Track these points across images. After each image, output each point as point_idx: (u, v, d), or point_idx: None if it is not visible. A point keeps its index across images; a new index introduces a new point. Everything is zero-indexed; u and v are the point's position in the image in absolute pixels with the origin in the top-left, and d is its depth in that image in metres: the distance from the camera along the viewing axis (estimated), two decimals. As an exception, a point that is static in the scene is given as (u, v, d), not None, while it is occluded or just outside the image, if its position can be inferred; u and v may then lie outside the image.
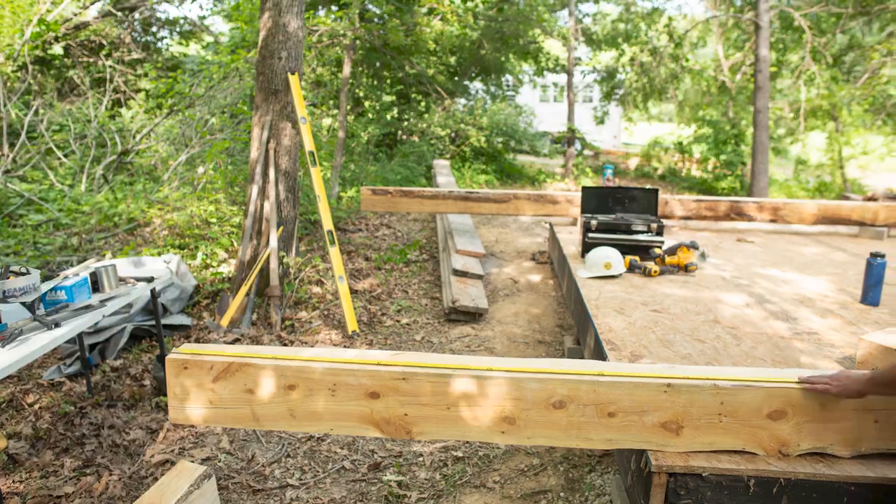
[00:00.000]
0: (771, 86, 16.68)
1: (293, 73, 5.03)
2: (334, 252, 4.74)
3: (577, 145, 14.99)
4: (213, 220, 6.13)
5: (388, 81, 13.40)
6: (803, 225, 6.04)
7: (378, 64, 13.23)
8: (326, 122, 11.42)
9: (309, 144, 4.93)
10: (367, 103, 13.48)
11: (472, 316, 4.76)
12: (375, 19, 12.19)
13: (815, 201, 6.06)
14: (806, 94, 16.51)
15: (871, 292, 3.53)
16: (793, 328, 3.12)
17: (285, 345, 4.37)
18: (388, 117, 13.64)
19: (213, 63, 9.26)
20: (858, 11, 15.01)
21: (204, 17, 14.43)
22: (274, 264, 4.75)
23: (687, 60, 15.42)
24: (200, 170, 7.21)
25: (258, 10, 5.62)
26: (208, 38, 14.57)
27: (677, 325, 3.13)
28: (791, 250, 5.07)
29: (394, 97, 13.82)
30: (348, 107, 11.93)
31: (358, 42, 10.48)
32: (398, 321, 4.81)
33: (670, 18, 15.28)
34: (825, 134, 15.92)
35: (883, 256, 3.48)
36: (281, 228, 5.02)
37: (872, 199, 10.33)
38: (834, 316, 3.32)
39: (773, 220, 6.03)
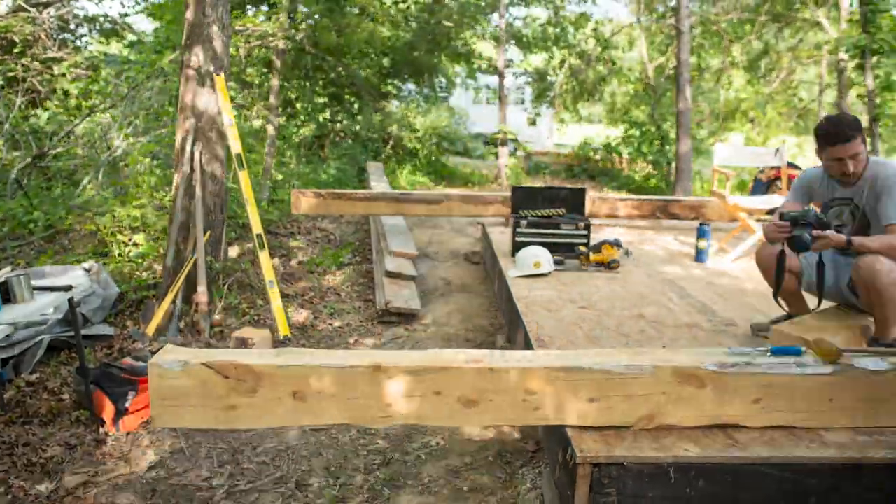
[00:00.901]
0: (693, 88, 17.38)
1: (219, 74, 4.92)
2: (264, 256, 4.66)
3: (510, 146, 15.20)
4: (138, 225, 5.92)
5: (321, 83, 13.24)
6: (723, 221, 6.31)
7: (309, 65, 13.07)
8: (257, 123, 11.20)
9: (236, 147, 4.83)
10: (298, 104, 13.29)
11: (406, 317, 4.77)
12: (306, 20, 12.05)
13: (733, 198, 6.34)
14: (725, 97, 17.29)
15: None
16: (710, 320, 3.26)
17: (215, 352, 4.27)
18: (321, 119, 13.48)
19: (136, 63, 8.95)
20: (771, 19, 15.82)
21: (126, 15, 13.89)
22: (201, 270, 4.63)
23: (614, 64, 15.86)
24: (125, 173, 6.95)
25: (183, 8, 5.47)
26: (131, 37, 14.05)
27: (603, 321, 3.23)
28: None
29: (326, 98, 13.67)
30: (279, 108, 11.74)
31: (288, 43, 10.31)
32: (331, 324, 4.76)
33: (597, 23, 15.69)
34: (743, 134, 16.68)
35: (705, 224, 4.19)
36: (209, 233, 4.89)
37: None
38: (751, 309, 3.50)
39: (695, 218, 6.28)
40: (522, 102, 18.88)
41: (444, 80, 17.91)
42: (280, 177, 9.25)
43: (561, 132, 20.42)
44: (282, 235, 7.14)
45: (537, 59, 17.20)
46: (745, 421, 2.13)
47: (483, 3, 15.53)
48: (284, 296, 5.20)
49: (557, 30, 16.28)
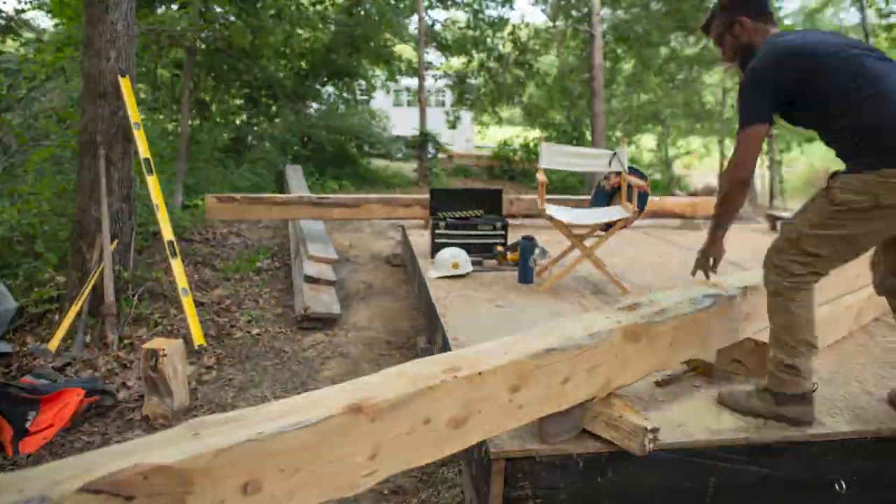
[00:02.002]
0: (607, 92, 17.99)
1: (124, 76, 4.72)
2: (176, 264, 4.50)
3: (431, 149, 15.28)
4: (38, 234, 5.59)
5: (236, 84, 12.91)
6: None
7: (224, 66, 12.71)
8: (170, 126, 10.81)
9: (143, 151, 4.65)
10: (213, 107, 12.91)
11: (326, 322, 4.72)
12: (219, 19, 11.71)
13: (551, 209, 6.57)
14: (636, 100, 17.99)
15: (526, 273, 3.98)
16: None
17: (125, 366, 4.09)
18: (237, 122, 13.14)
19: (34, 62, 8.45)
20: (677, 26, 16.57)
21: (22, 11, 13.09)
22: (108, 280, 4.43)
23: (531, 67, 16.22)
24: (24, 179, 6.55)
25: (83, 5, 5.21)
26: (29, 35, 13.26)
27: (519, 319, 3.31)
28: (623, 243, 5.50)
29: (242, 101, 13.33)
30: (192, 111, 11.36)
31: (200, 43, 10.00)
32: (248, 332, 4.65)
33: (514, 27, 16.01)
34: (654, 136, 17.40)
35: (531, 239, 4.03)
36: (116, 241, 4.69)
37: (694, 194, 11.43)
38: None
39: (607, 217, 6.51)
40: (443, 105, 19.01)
41: (364, 82, 17.82)
42: (193, 182, 8.95)
43: (482, 134, 20.69)
44: (196, 242, 6.92)
45: (457, 62, 17.38)
46: (664, 365, 2.28)
47: (402, 6, 15.57)
48: (199, 304, 5.05)
49: (476, 33, 16.51)
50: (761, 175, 13.58)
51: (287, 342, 4.53)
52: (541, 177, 4.09)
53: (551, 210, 3.96)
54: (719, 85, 18.50)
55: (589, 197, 5.11)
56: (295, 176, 10.39)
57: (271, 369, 4.07)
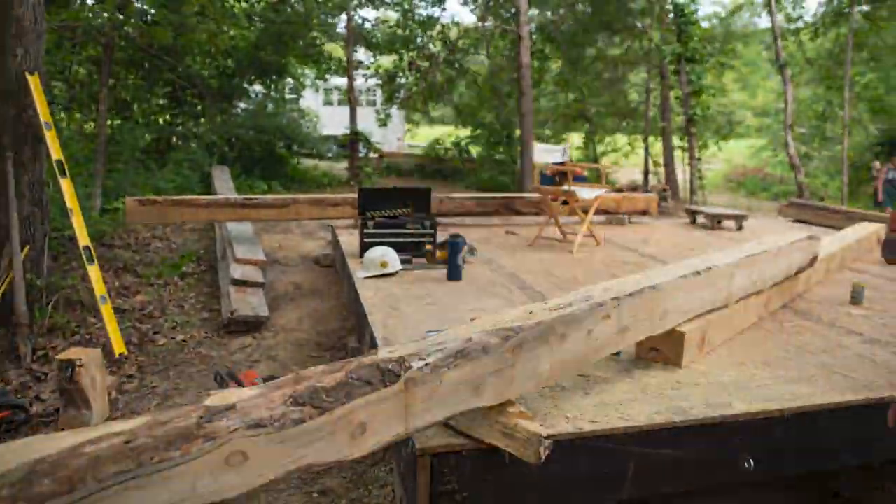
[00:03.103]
0: (536, 91, 18.31)
1: (32, 74, 4.50)
2: (93, 270, 4.33)
3: (362, 148, 15.19)
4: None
5: (159, 83, 12.47)
6: (563, 216, 6.72)
7: (146, 64, 12.26)
8: (88, 127, 10.35)
9: (55, 152, 4.44)
10: (135, 106, 12.43)
11: (254, 325, 4.63)
12: (138, 16, 11.27)
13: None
14: (564, 99, 18.39)
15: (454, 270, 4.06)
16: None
17: (39, 379, 3.90)
18: (160, 121, 12.71)
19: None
20: (603, 27, 17.04)
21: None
22: (19, 288, 4.21)
23: (461, 66, 16.35)
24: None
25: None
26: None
27: (447, 316, 3.34)
28: (553, 240, 5.63)
29: (165, 100, 12.90)
30: (112, 110, 10.91)
31: (121, 40, 9.61)
32: (173, 338, 4.52)
33: (443, 26, 16.09)
34: (582, 134, 17.83)
35: (458, 236, 4.12)
36: (27, 248, 4.47)
37: (619, 190, 11.78)
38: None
39: (537, 213, 6.64)
40: (374, 104, 18.92)
41: (292, 81, 17.53)
42: (113, 184, 8.60)
43: (413, 133, 20.70)
44: (117, 247, 6.66)
45: (387, 61, 17.33)
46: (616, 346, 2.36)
47: (330, 4, 15.40)
48: (120, 311, 4.87)
49: (406, 32, 16.50)
50: (682, 171, 14.11)
51: (214, 347, 4.43)
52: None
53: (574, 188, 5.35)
54: (643, 84, 19.13)
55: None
56: (221, 177, 10.14)
57: (197, 376, 3.97)
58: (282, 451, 1.45)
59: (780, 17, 15.89)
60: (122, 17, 9.21)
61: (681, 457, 2.28)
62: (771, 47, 13.99)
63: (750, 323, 3.30)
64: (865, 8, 15.22)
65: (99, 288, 4.29)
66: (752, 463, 2.33)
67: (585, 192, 5.41)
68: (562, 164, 5.77)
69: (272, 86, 15.82)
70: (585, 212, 5.46)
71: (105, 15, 8.81)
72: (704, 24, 16.44)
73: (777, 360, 2.84)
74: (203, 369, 4.05)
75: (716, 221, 6.89)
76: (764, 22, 19.22)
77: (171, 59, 11.78)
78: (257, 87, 15.70)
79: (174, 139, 12.96)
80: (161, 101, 12.71)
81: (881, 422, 2.50)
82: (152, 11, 11.72)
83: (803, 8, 18.37)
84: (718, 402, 2.37)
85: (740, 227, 6.83)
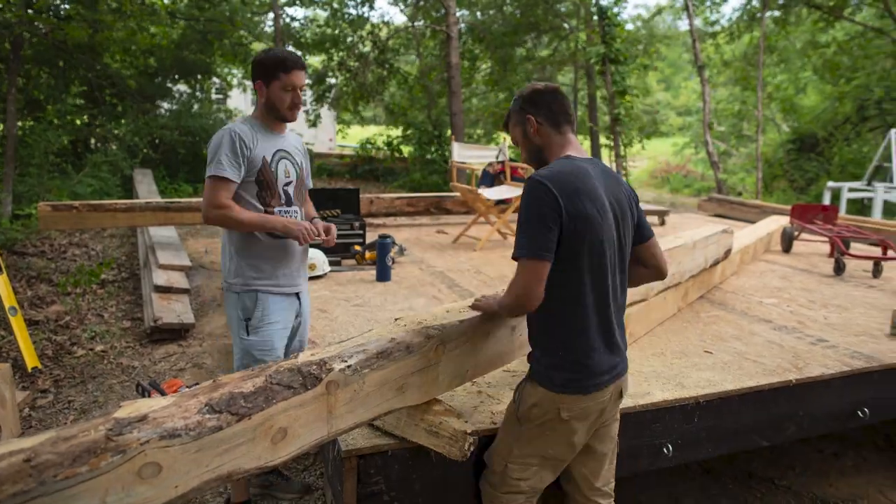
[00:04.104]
0: (467, 91, 18.45)
1: (-73, 73, 4.22)
2: (1, 280, 4.10)
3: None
4: None
5: (75, 82, 11.90)
6: (492, 215, 6.80)
7: (60, 62, 11.69)
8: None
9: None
10: (49, 107, 11.83)
11: (179, 333, 4.49)
12: (49, 11, 10.73)
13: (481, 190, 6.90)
14: (495, 99, 18.59)
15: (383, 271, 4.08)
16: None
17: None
18: (76, 123, 12.13)
19: None
20: (531, 29, 17.33)
21: None
22: (-82, 301, 3.95)
23: (392, 66, 16.29)
24: None
25: None
26: None
27: (376, 317, 3.33)
28: (476, 237, 5.69)
29: (82, 100, 12.32)
30: (23, 110, 10.35)
31: (31, 36, 9.12)
32: (92, 349, 4.33)
33: (373, 26, 16.00)
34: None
35: (387, 237, 4.12)
36: (-73, 258, 4.19)
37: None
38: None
39: (466, 212, 6.69)
40: (305, 104, 18.64)
41: (219, 80, 17.08)
42: (25, 189, 8.17)
43: (344, 134, 20.51)
44: (30, 255, 6.34)
45: (316, 60, 17.12)
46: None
47: (257, 2, 15.08)
48: (33, 323, 4.64)
49: (336, 32, 16.33)
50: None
51: (136, 357, 4.27)
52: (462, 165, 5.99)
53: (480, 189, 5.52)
54: (570, 85, 19.56)
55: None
56: (144, 180, 9.80)
57: (118, 387, 3.82)
58: (198, 461, 1.41)
59: (698, 21, 16.56)
60: (31, 11, 8.75)
61: (603, 447, 2.35)
62: (691, 49, 14.56)
63: (670, 314, 3.43)
64: (776, 13, 16.04)
65: (8, 298, 4.06)
66: (670, 449, 2.43)
67: (490, 193, 5.50)
68: (501, 163, 5.90)
69: (197, 85, 15.37)
70: (504, 211, 5.59)
71: (12, 9, 8.35)
72: (628, 27, 16.98)
73: (694, 349, 2.97)
74: (125, 380, 3.90)
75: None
76: (685, 25, 19.98)
77: (87, 57, 11.27)
78: (182, 87, 15.22)
79: (92, 141, 12.41)
80: (77, 101, 12.13)
81: (787, 404, 2.65)
82: (66, 7, 11.18)
83: (720, 13, 19.22)
84: (639, 392, 2.46)
85: (662, 222, 7.08)
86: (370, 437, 2.09)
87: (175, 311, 4.62)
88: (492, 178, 6.09)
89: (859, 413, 2.79)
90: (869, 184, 9.83)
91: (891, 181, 9.62)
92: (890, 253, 4.77)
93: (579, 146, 1.95)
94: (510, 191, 5.65)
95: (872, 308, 3.74)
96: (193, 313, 4.81)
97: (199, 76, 15.11)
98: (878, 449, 3.50)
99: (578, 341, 1.80)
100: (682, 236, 3.60)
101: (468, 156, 6.52)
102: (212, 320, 4.87)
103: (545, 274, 1.73)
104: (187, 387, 3.53)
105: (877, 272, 4.61)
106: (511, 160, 6.04)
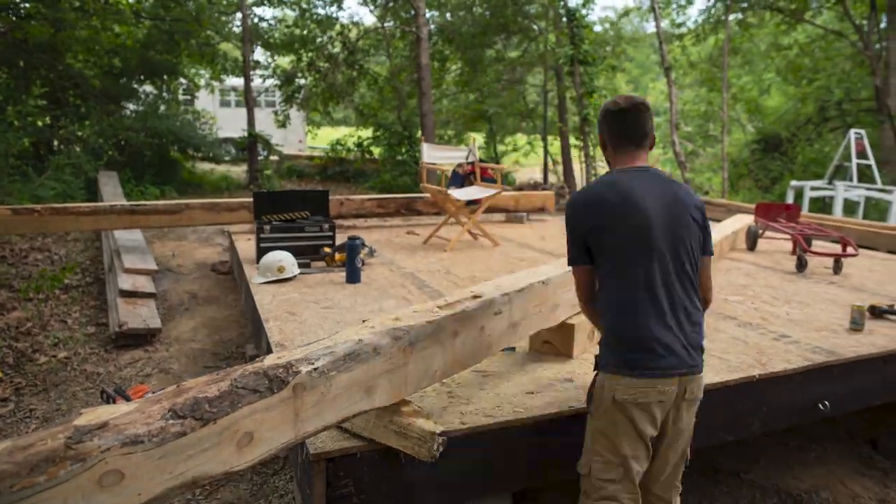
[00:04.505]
0: (437, 91, 18.45)
1: None
2: (-41, 286, 3.99)
3: (261, 151, 14.78)
4: None
5: (37, 82, 11.63)
6: (462, 216, 6.82)
7: (21, 62, 11.41)
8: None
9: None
10: (9, 108, 11.53)
11: (145, 338, 4.42)
12: (8, 10, 10.49)
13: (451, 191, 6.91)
14: (465, 100, 18.64)
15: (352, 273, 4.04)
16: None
17: None
18: (39, 124, 11.85)
19: None
20: (500, 30, 17.40)
21: None
22: None
23: (362, 67, 16.23)
24: None
25: None
26: None
27: (345, 319, 3.31)
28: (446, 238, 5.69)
29: (44, 101, 12.04)
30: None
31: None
32: (54, 356, 4.23)
33: (342, 26, 15.93)
34: (483, 134, 18.12)
35: (356, 238, 4.10)
36: None
37: (520, 189, 12.09)
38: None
39: (437, 213, 6.69)
40: (274, 105, 18.48)
41: (186, 81, 16.84)
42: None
43: (314, 135, 20.36)
44: (-11, 260, 6.18)
45: (286, 61, 16.98)
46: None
47: (225, 2, 14.91)
48: (-8, 330, 4.52)
49: (305, 32, 16.21)
50: (580, 169, 14.63)
51: (101, 363, 4.19)
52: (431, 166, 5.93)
53: (450, 191, 5.51)
54: (541, 85, 19.69)
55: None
56: (109, 183, 9.62)
57: (82, 395, 3.74)
58: (162, 467, 1.39)
59: (665, 23, 16.81)
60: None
61: (573, 444, 2.37)
62: (658, 51, 14.77)
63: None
64: (740, 16, 16.37)
65: (-33, 305, 3.96)
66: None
67: (459, 194, 5.51)
68: (471, 164, 5.91)
69: (164, 86, 15.13)
70: (474, 212, 5.59)
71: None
72: (597, 29, 17.15)
73: (660, 347, 3.00)
74: (89, 387, 3.83)
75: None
76: (652, 27, 20.23)
77: (48, 56, 11.02)
78: (148, 88, 14.98)
79: (55, 143, 12.13)
80: (39, 102, 11.86)
81: (751, 399, 2.70)
82: (26, 5, 10.93)
83: (686, 15, 19.52)
84: (606, 390, 2.48)
85: (631, 222, 7.18)
86: (339, 440, 2.07)
87: (141, 315, 4.54)
88: (462, 178, 6.11)
89: (820, 406, 2.85)
90: (830, 182, 10.07)
91: (850, 180, 9.88)
92: (849, 250, 4.89)
93: (639, 158, 2.06)
94: (480, 191, 5.66)
95: (833, 304, 3.84)
96: (160, 318, 4.74)
97: (165, 77, 14.88)
98: (839, 441, 3.59)
99: (626, 325, 1.95)
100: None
101: (438, 157, 6.51)
102: (179, 324, 4.80)
103: (584, 277, 2.07)
104: (153, 392, 3.48)
105: (837, 269, 4.73)
106: (481, 161, 6.05)
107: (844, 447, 3.52)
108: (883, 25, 13.56)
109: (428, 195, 6.16)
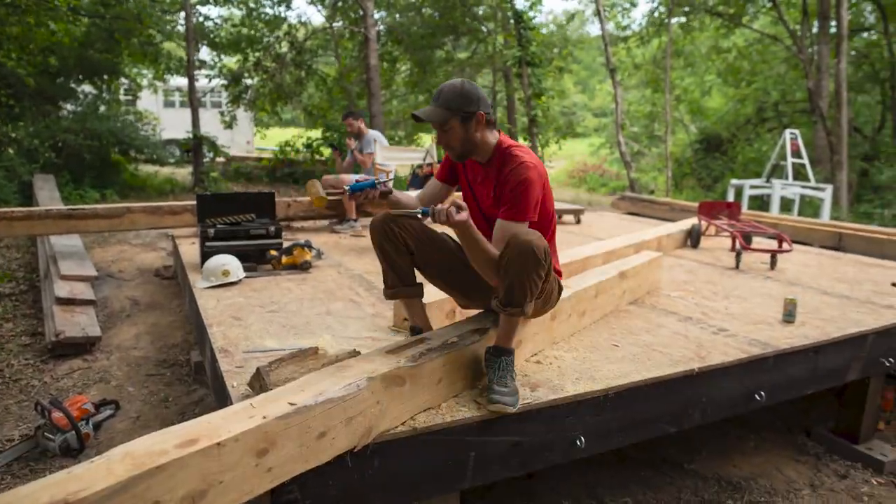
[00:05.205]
0: (387, 92, 18.40)
1: None
2: None
3: (207, 152, 14.47)
4: None
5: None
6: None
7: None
8: None
9: None
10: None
11: (84, 347, 4.27)
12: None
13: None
14: (414, 101, 18.63)
15: None
16: (391, 309, 3.50)
17: None
18: (-31, 126, 11.36)
19: None
20: (449, 31, 17.46)
21: None
22: None
23: (310, 67, 16.06)
24: None
25: None
26: None
27: (292, 322, 3.27)
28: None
29: (-27, 102, 11.54)
30: None
31: None
32: (-15, 368, 4.06)
33: (290, 26, 15.73)
34: (434, 135, 18.13)
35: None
36: None
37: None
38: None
39: (387, 215, 6.67)
40: (221, 105, 18.10)
41: (127, 81, 16.37)
42: None
43: (263, 136, 20.04)
44: (-85, 269, 5.88)
45: (232, 61, 16.67)
46: (433, 403, 2.30)
47: (168, 0, 14.54)
48: (-82, 341, 4.30)
49: (252, 32, 15.95)
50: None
51: (36, 375, 4.03)
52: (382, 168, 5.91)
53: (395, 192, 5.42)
54: (490, 87, 19.84)
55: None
56: (45, 187, 9.28)
57: (15, 408, 3.59)
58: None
59: (610, 26, 17.15)
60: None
61: (520, 442, 2.40)
62: (605, 53, 15.05)
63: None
64: (682, 19, 16.82)
65: None
66: (582, 441, 2.50)
67: (400, 194, 5.61)
68: (430, 165, 5.97)
69: (104, 86, 14.67)
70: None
71: None
72: (544, 31, 17.38)
73: (605, 343, 3.06)
74: (23, 400, 3.67)
75: (557, 216, 7.30)
76: (598, 29, 20.59)
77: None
78: (87, 88, 14.50)
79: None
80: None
81: (692, 391, 2.78)
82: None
83: (630, 18, 19.93)
84: (554, 387, 2.52)
85: (578, 221, 7.29)
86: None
87: (79, 323, 4.39)
88: (420, 180, 6.15)
89: (756, 396, 2.95)
90: (767, 181, 10.43)
91: (786, 178, 10.26)
92: (784, 245, 5.08)
93: None
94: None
95: (769, 297, 3.98)
96: (100, 325, 4.59)
97: (105, 76, 14.43)
98: (775, 429, 3.72)
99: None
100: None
101: (391, 157, 6.52)
102: (121, 332, 4.65)
103: None
104: (93, 404, 3.38)
105: (773, 264, 4.91)
106: (439, 162, 6.08)
107: (780, 435, 3.65)
108: (815, 30, 14.12)
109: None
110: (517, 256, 2.20)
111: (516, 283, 2.24)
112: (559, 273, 2.69)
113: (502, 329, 2.37)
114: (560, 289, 2.65)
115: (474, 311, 2.86)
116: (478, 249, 2.32)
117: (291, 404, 1.80)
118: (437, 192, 2.78)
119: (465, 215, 2.18)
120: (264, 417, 1.71)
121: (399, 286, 2.61)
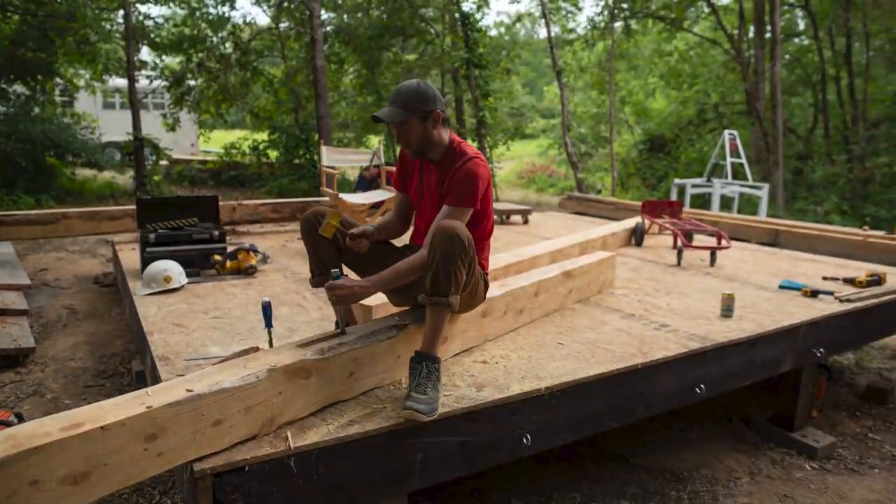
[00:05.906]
0: (335, 94, 18.23)
1: None
2: None
3: (149, 155, 14.06)
4: None
5: None
6: (363, 220, 6.78)
7: None
8: None
9: None
10: None
11: (16, 359, 4.10)
12: None
13: (343, 195, 6.90)
14: (363, 103, 18.52)
15: None
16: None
17: None
18: None
19: None
20: (398, 33, 17.40)
21: None
22: None
23: (256, 68, 15.78)
24: None
25: None
26: None
27: (236, 328, 3.21)
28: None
29: None
30: None
31: None
32: None
33: (234, 26, 15.43)
34: (381, 138, 18.05)
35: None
36: None
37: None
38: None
39: (335, 217, 6.62)
40: (163, 107, 17.63)
41: (63, 82, 15.77)
42: None
43: (208, 138, 19.61)
44: None
45: (174, 62, 16.26)
46: (345, 395, 2.34)
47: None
48: None
49: (195, 32, 15.58)
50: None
51: (-36, 389, 3.84)
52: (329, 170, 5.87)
53: (342, 195, 5.39)
54: (438, 88, 19.86)
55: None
56: (-26, 192, 8.85)
57: (-58, 423, 3.41)
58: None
59: (556, 29, 17.41)
60: None
61: (467, 441, 2.41)
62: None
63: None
64: (627, 23, 17.20)
65: None
66: (528, 439, 2.52)
67: (355, 198, 5.56)
68: (377, 167, 5.95)
69: (38, 87, 14.09)
70: (370, 216, 5.66)
71: None
72: (491, 33, 17.51)
73: (550, 341, 3.11)
74: (-49, 415, 3.50)
75: (504, 216, 7.36)
76: (545, 32, 20.86)
77: None
78: (19, 88, 13.90)
79: None
80: None
81: (635, 386, 2.84)
82: None
83: (576, 21, 20.28)
84: (499, 386, 2.54)
85: (526, 221, 7.37)
86: (226, 453, 2.00)
87: (11, 335, 4.21)
88: (368, 183, 6.14)
89: (697, 389, 3.04)
90: (708, 180, 10.76)
91: (726, 177, 10.60)
92: (723, 243, 5.24)
93: None
94: (382, 194, 5.67)
95: (708, 293, 4.10)
96: (35, 336, 4.42)
97: (39, 77, 13.87)
98: (716, 421, 3.84)
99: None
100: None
101: (338, 160, 6.49)
102: (56, 343, 4.48)
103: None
104: (17, 415, 3.24)
105: (713, 260, 5.06)
106: (386, 164, 6.07)
107: (720, 427, 3.77)
108: (751, 35, 14.66)
109: (327, 199, 6.09)
110: (443, 241, 2.28)
111: (441, 270, 2.29)
112: (485, 270, 2.74)
113: (428, 329, 2.39)
114: (486, 285, 2.72)
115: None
116: (402, 276, 2.43)
117: (189, 391, 1.88)
118: (404, 202, 2.84)
119: (368, 289, 2.41)
120: (150, 406, 1.78)
121: (326, 274, 2.61)
